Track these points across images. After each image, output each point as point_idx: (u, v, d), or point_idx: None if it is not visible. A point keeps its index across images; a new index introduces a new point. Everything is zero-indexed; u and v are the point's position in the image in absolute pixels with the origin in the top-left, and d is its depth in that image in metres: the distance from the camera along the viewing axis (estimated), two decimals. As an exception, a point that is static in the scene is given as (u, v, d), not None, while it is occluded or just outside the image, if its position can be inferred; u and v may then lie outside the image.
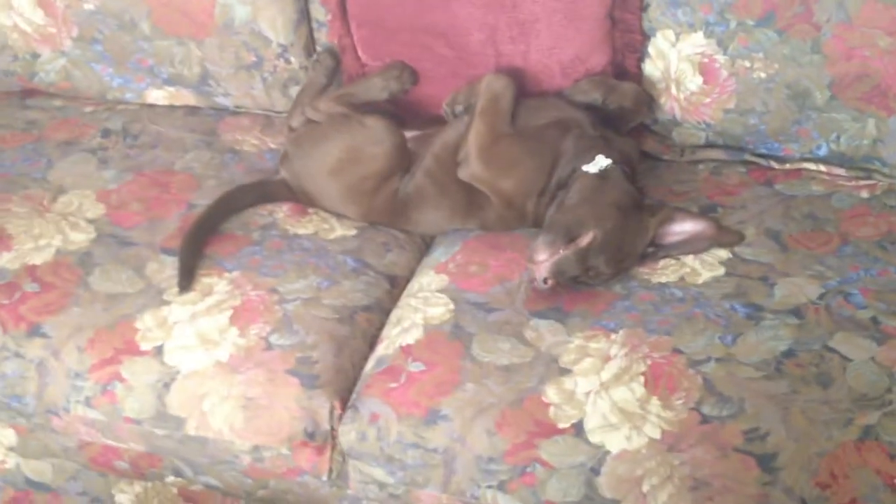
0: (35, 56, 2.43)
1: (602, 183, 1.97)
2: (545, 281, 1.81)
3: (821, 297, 1.81)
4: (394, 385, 1.76)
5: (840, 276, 1.85)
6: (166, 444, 1.84)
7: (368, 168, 2.08)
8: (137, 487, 2.05)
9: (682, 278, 1.88)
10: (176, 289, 1.91)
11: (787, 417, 1.62)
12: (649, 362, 1.72)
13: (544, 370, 1.73)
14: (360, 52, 2.29)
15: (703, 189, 2.11)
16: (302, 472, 1.82)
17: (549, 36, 2.14)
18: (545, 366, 1.74)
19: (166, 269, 1.95)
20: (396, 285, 2.02)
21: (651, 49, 2.16)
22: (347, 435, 1.76)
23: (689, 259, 1.92)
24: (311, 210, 2.14)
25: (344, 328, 1.88)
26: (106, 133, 2.34)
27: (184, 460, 1.89)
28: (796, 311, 1.78)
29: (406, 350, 1.81)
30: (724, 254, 1.92)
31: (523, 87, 2.16)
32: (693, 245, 1.94)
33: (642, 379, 1.69)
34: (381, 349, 1.86)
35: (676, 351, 1.73)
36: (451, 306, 1.88)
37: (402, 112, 2.28)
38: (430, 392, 1.74)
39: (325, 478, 1.81)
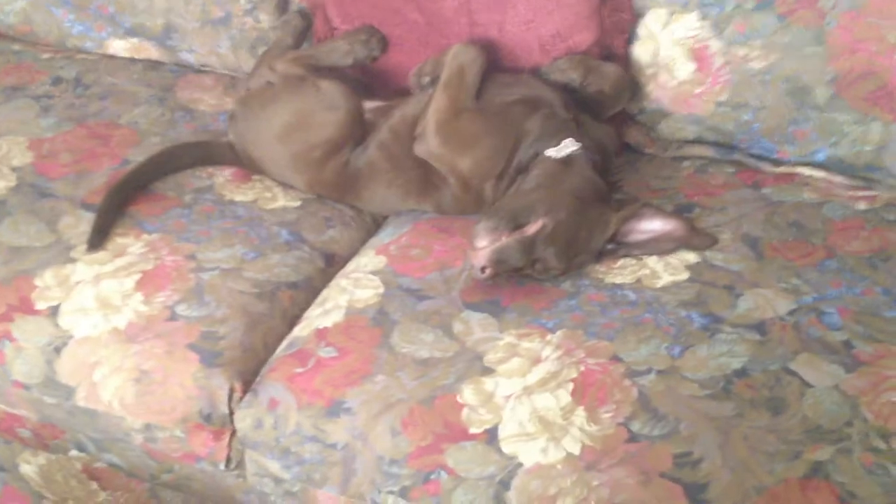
0: (-6, -4, 2.30)
1: (564, 169, 1.78)
2: (483, 270, 1.62)
3: (791, 312, 1.60)
4: (300, 370, 1.59)
5: (817, 292, 1.63)
6: (56, 413, 1.69)
7: (318, 135, 1.91)
8: (42, 459, 1.90)
9: (638, 280, 1.68)
10: (85, 246, 1.75)
11: (726, 444, 1.41)
12: (582, 368, 1.52)
13: (465, 367, 1.55)
14: (329, 14, 2.12)
15: (682, 187, 1.91)
16: (199, 458, 1.65)
17: (528, 7, 1.95)
18: (467, 363, 1.55)
19: (81, 225, 1.80)
20: (333, 264, 1.84)
21: (641, 30, 1.97)
22: (243, 421, 1.59)
23: (652, 260, 1.72)
24: (255, 177, 1.98)
25: (261, 304, 1.71)
26: (57, 81, 2.21)
27: (81, 433, 1.74)
28: (759, 327, 1.58)
29: (320, 333, 1.64)
30: (691, 257, 1.72)
31: (497, 63, 1.98)
32: (659, 245, 1.74)
33: (570, 386, 1.50)
34: (297, 330, 1.68)
35: (615, 359, 1.53)
36: (381, 290, 1.70)
37: (369, 81, 2.12)
38: (337, 381, 1.56)
39: (222, 466, 1.64)
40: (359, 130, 1.93)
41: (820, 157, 1.91)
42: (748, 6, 1.84)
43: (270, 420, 1.57)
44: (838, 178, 1.90)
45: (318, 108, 1.92)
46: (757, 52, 1.86)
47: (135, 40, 2.29)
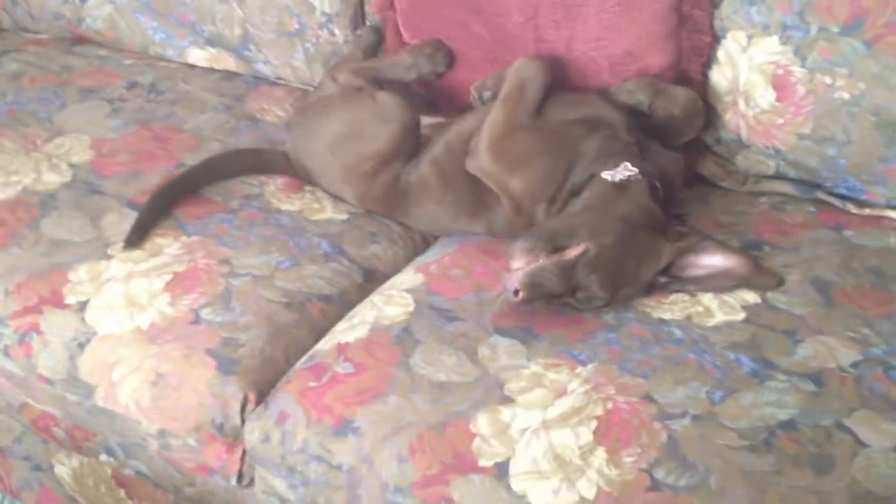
0: (83, 0, 2.33)
1: (618, 194, 1.66)
2: (516, 293, 1.51)
3: (854, 364, 1.44)
4: (313, 384, 1.51)
5: (888, 344, 1.47)
6: (79, 413, 1.66)
7: (369, 147, 1.85)
8: (75, 461, 1.87)
9: (688, 317, 1.54)
10: (122, 244, 1.72)
11: (760, 502, 1.26)
12: (610, 406, 1.39)
13: (483, 394, 1.44)
14: (401, 27, 2.07)
15: (754, 224, 1.76)
16: (212, 471, 1.59)
17: (598, 24, 1.85)
18: (486, 390, 1.45)
19: (124, 224, 1.77)
20: (372, 280, 1.77)
21: (720, 53, 1.83)
22: (252, 433, 1.52)
23: (707, 298, 1.58)
24: (308, 188, 1.93)
25: (288, 315, 1.65)
26: (132, 85, 2.22)
27: (108, 437, 1.70)
28: (816, 377, 1.42)
29: (341, 348, 1.56)
30: (751, 297, 1.57)
31: (564, 81, 1.88)
32: (717, 282, 1.60)
33: (594, 424, 1.37)
34: (321, 343, 1.61)
35: (647, 398, 1.40)
36: (411, 308, 1.61)
37: (434, 98, 2.05)
38: (349, 399, 1.48)
39: (233, 481, 1.57)
40: (413, 145, 1.86)
41: (913, 199, 1.73)
42: (833, 30, 1.69)
43: (278, 434, 1.49)
44: (932, 225, 1.72)
45: (372, 120, 1.86)
46: (843, 80, 1.71)
47: (213, 50, 2.29)
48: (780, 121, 1.79)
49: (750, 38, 1.77)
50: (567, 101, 1.81)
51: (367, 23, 2.17)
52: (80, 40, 2.41)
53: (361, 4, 2.16)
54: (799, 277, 1.61)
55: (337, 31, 2.15)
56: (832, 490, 1.27)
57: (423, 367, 1.49)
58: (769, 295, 1.57)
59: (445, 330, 1.55)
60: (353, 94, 1.92)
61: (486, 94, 1.86)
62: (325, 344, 1.60)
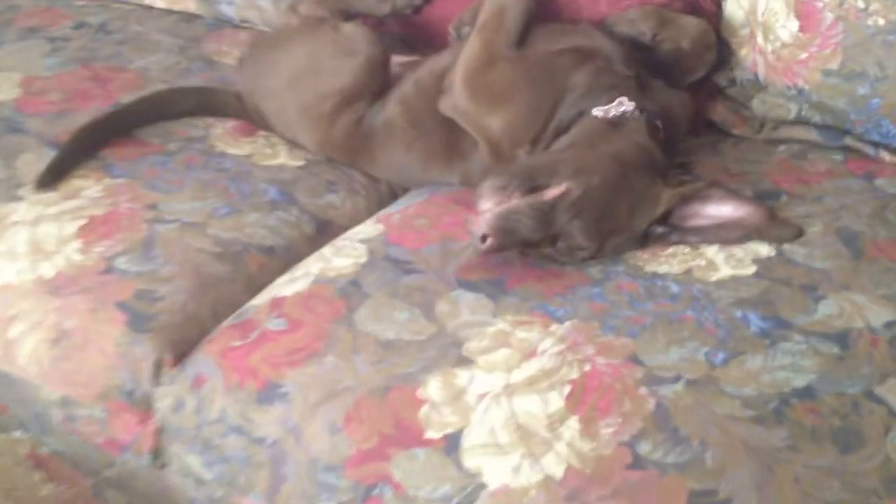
0: (33, -64, 2.11)
1: (610, 131, 1.41)
2: (483, 239, 1.26)
3: (888, 325, 1.19)
4: (238, 343, 1.27)
5: (929, 302, 1.20)
6: (-24, 375, 1.42)
7: (330, 84, 1.61)
8: (-11, 438, 1.64)
9: (688, 271, 1.29)
10: (34, 184, 1.49)
11: (767, 483, 1.01)
12: (587, 368, 1.14)
13: (436, 355, 1.19)
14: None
15: (770, 172, 1.51)
16: (123, 447, 1.35)
17: (593, -57, 1.60)
18: (441, 349, 1.20)
19: (41, 164, 1.54)
20: (326, 232, 1.53)
21: (736, -22, 1.58)
22: (163, 400, 1.28)
23: (712, 250, 1.32)
24: (261, 133, 1.69)
25: (220, 267, 1.41)
26: (79, 25, 1.99)
27: (16, 409, 1.47)
28: (840, 338, 1.17)
29: (275, 303, 1.32)
30: (764, 250, 1.32)
31: (553, 14, 1.64)
32: (724, 233, 1.35)
33: (567, 389, 1.12)
34: (255, 299, 1.37)
35: (633, 360, 1.15)
36: (363, 259, 1.37)
37: (412, 38, 1.81)
38: (277, 359, 1.23)
39: (145, 459, 1.33)
40: (380, 83, 1.62)
41: (957, 144, 1.47)
42: (868, -58, 1.43)
43: (193, 402, 1.25)
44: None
45: (333, 53, 1.62)
46: (878, 3, 1.45)
47: (173, -11, 2.06)
48: (804, 55, 1.54)
49: (769, -44, 1.52)
50: (555, 31, 1.57)
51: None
52: (31, -20, 2.18)
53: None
54: (821, 228, 1.36)
55: (307, -34, 1.91)
56: (859, 471, 1.02)
57: (370, 324, 1.25)
58: (785, 247, 1.32)
59: (400, 283, 1.31)
60: (314, 25, 1.68)
61: (465, 31, 1.62)
62: (259, 299, 1.36)
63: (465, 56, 1.52)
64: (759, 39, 1.58)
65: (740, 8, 1.59)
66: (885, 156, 1.54)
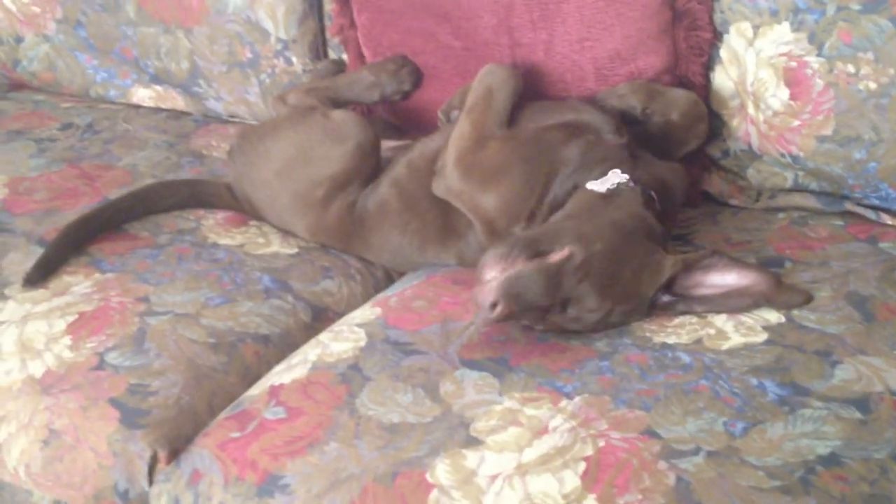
0: (19, 40, 2.12)
1: (606, 203, 1.39)
2: (493, 306, 1.22)
3: (908, 387, 1.14)
4: (235, 435, 1.22)
5: (948, 362, 1.17)
6: (-39, 482, 1.36)
7: (321, 171, 1.59)
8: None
9: (698, 341, 1.26)
10: (22, 282, 1.46)
11: (800, 558, 0.95)
12: (602, 443, 1.10)
13: (444, 436, 1.14)
14: (362, 47, 1.84)
15: (772, 240, 1.50)
16: (118, 551, 1.29)
17: (581, 22, 1.61)
18: (448, 431, 1.15)
19: (28, 262, 1.51)
20: (322, 319, 1.49)
21: (723, 51, 1.58)
22: (159, 499, 1.22)
23: (720, 319, 1.29)
24: (252, 222, 1.66)
25: (215, 358, 1.37)
26: (66, 126, 1.99)
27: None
28: (861, 402, 1.13)
29: (274, 391, 1.27)
30: (773, 317, 1.29)
31: (541, 91, 1.64)
32: (731, 302, 1.31)
33: (582, 466, 1.07)
34: (252, 389, 1.32)
35: (650, 433, 1.10)
36: (363, 343, 1.33)
37: (402, 122, 1.80)
38: (277, 449, 1.18)
39: (142, 563, 1.27)
40: (371, 168, 1.60)
41: (959, 204, 1.46)
42: (854, 7, 1.44)
43: (189, 499, 1.19)
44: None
45: (323, 140, 1.61)
46: (868, 67, 1.45)
47: (160, 88, 2.06)
48: (797, 123, 1.54)
49: (756, 28, 1.53)
50: (543, 108, 1.57)
51: (329, 50, 1.94)
52: (17, 86, 2.19)
53: (322, 29, 1.94)
54: (830, 293, 1.33)
55: (294, 60, 1.92)
56: (896, 539, 0.96)
57: (372, 408, 1.20)
58: (795, 313, 1.29)
59: (402, 365, 1.27)
60: (303, 113, 1.67)
61: (455, 114, 1.62)
62: (256, 389, 1.31)
63: (455, 137, 1.51)
64: (751, 109, 1.58)
65: (729, 79, 1.59)
66: (887, 219, 1.53)
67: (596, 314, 1.26)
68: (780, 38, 1.51)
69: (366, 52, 1.84)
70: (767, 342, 1.24)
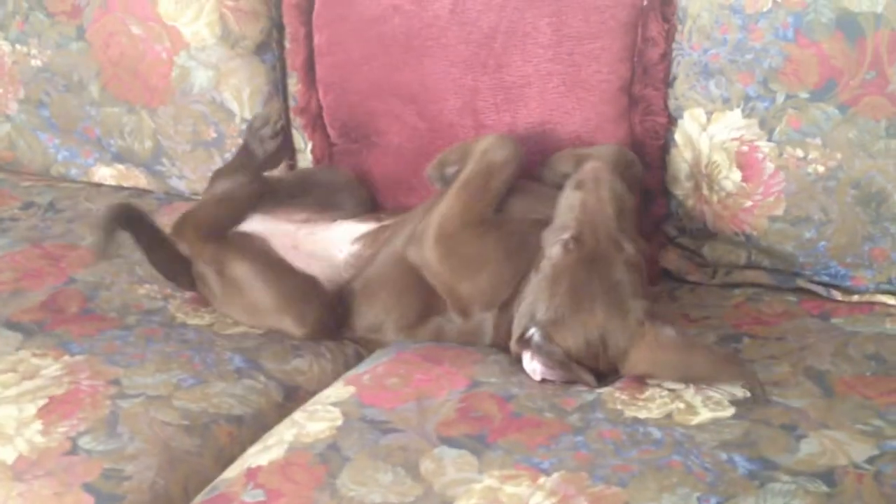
0: (-20, 120, 2.12)
1: None
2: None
3: (870, 460, 1.20)
4: (213, 519, 1.22)
5: (906, 435, 1.22)
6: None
7: (287, 326, 1.61)
8: None
9: (668, 415, 1.30)
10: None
11: None
12: (581, 521, 1.12)
13: (426, 517, 1.16)
14: (328, 126, 1.88)
15: (729, 316, 1.55)
16: None
17: (542, 106, 1.68)
18: (429, 511, 1.17)
19: (-4, 343, 1.50)
20: (293, 398, 1.50)
21: (678, 135, 1.66)
22: (132, 591, 1.21)
23: (689, 393, 1.33)
24: (221, 303, 1.68)
25: (188, 440, 1.37)
26: (28, 206, 1.99)
27: None
28: (827, 476, 1.17)
29: (251, 473, 1.27)
30: (739, 391, 1.33)
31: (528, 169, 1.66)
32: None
33: (563, 545, 1.09)
34: (227, 472, 1.32)
35: (627, 510, 1.13)
36: (339, 422, 1.34)
37: (374, 197, 1.82)
38: (258, 533, 1.18)
39: None
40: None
41: (905, 281, 1.53)
42: (803, 96, 1.52)
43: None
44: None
45: (271, 311, 1.61)
46: (816, 152, 1.53)
47: (122, 166, 2.07)
48: (749, 203, 1.61)
49: (710, 114, 1.61)
50: (534, 194, 1.57)
51: (294, 130, 1.97)
52: (-23, 167, 2.18)
53: (287, 109, 1.97)
54: (789, 368, 1.39)
55: (259, 139, 1.95)
56: None
57: (353, 488, 1.22)
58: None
59: (380, 444, 1.28)
60: (203, 281, 1.65)
61: (449, 171, 1.58)
62: (231, 471, 1.31)
63: (443, 211, 1.51)
64: (705, 190, 1.65)
65: (684, 161, 1.66)
66: (837, 295, 1.59)
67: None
68: (733, 123, 1.59)
69: (330, 132, 1.88)
70: (735, 416, 1.28)
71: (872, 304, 1.56)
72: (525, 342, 1.37)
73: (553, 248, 1.38)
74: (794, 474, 1.17)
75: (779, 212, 1.58)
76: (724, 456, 1.21)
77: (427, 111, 1.73)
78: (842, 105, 1.50)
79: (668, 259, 1.71)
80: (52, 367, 1.47)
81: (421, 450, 1.26)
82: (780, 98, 1.54)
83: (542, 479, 1.19)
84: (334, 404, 1.39)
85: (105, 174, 2.09)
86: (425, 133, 1.75)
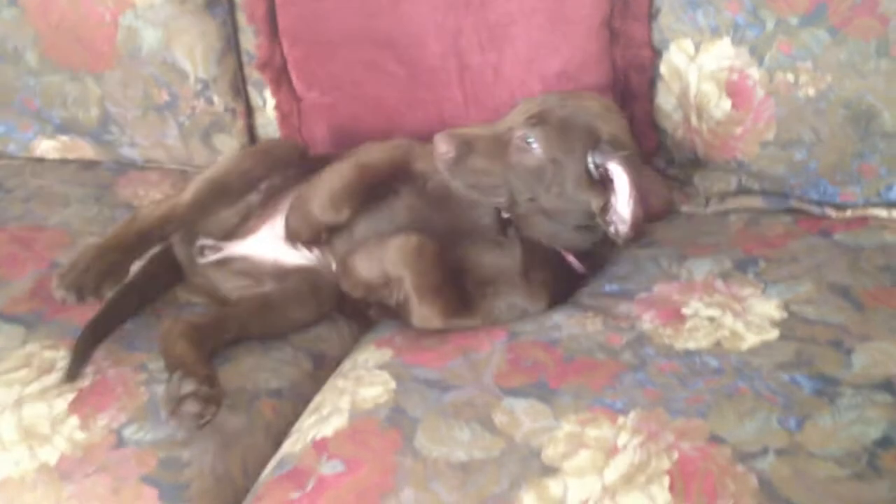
0: None
1: None
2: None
3: (920, 366, 1.25)
4: (296, 495, 1.19)
5: (944, 339, 1.29)
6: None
7: None
8: None
9: (717, 343, 1.32)
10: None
11: (895, 537, 1.03)
12: (676, 455, 1.14)
13: (520, 468, 1.16)
14: (294, 80, 1.81)
15: (737, 242, 1.58)
16: None
17: (528, 43, 1.66)
18: (521, 462, 1.17)
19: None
20: (323, 366, 1.47)
21: (663, 67, 1.67)
22: (225, 574, 1.17)
23: (728, 319, 1.36)
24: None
25: (237, 419, 1.32)
26: (-28, 188, 1.84)
27: None
28: (887, 386, 1.22)
29: (319, 445, 1.24)
30: (775, 312, 1.37)
31: (493, 111, 1.65)
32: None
33: (666, 480, 1.11)
34: (287, 445, 1.28)
35: (715, 439, 1.16)
36: (392, 385, 1.32)
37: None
38: (351, 503, 1.15)
39: None
40: None
41: (894, 193, 1.59)
42: (792, 22, 1.55)
43: (262, 568, 1.15)
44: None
45: None
46: (807, 75, 1.57)
47: (66, 138, 1.95)
48: (739, 130, 1.64)
49: (698, 44, 1.62)
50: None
51: (249, 87, 1.89)
52: None
53: (240, 66, 1.89)
54: (814, 285, 1.43)
55: (216, 99, 1.87)
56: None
57: (434, 449, 1.20)
58: (794, 308, 1.38)
59: (444, 401, 1.27)
60: None
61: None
62: (293, 445, 1.28)
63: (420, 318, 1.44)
64: (694, 121, 1.67)
65: (671, 94, 1.68)
66: (831, 212, 1.65)
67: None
68: (722, 52, 1.61)
69: (298, 87, 1.82)
70: (782, 338, 1.32)
71: (864, 218, 1.62)
72: None
73: None
74: (857, 387, 1.22)
75: (770, 137, 1.62)
76: (786, 377, 1.25)
77: (407, 56, 1.69)
78: (832, 28, 1.53)
79: (660, 191, 1.72)
80: (67, 359, 1.38)
81: (488, 403, 1.25)
82: (770, 24, 1.56)
83: (620, 419, 1.20)
84: (380, 367, 1.36)
85: (48, 147, 1.97)
86: (405, 80, 1.72)
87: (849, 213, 1.64)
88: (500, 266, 1.44)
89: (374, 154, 1.52)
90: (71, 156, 1.96)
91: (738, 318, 1.37)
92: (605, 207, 1.40)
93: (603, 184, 1.39)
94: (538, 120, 1.39)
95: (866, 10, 1.51)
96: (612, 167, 1.38)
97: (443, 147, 1.38)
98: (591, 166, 1.40)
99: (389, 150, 1.53)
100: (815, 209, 1.66)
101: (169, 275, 1.57)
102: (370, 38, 1.70)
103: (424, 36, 1.67)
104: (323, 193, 1.45)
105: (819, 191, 1.65)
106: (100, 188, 1.85)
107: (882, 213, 1.62)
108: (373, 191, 1.47)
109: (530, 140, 1.39)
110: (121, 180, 1.89)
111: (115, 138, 1.93)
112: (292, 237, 1.49)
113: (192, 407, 1.23)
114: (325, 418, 1.29)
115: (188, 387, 1.24)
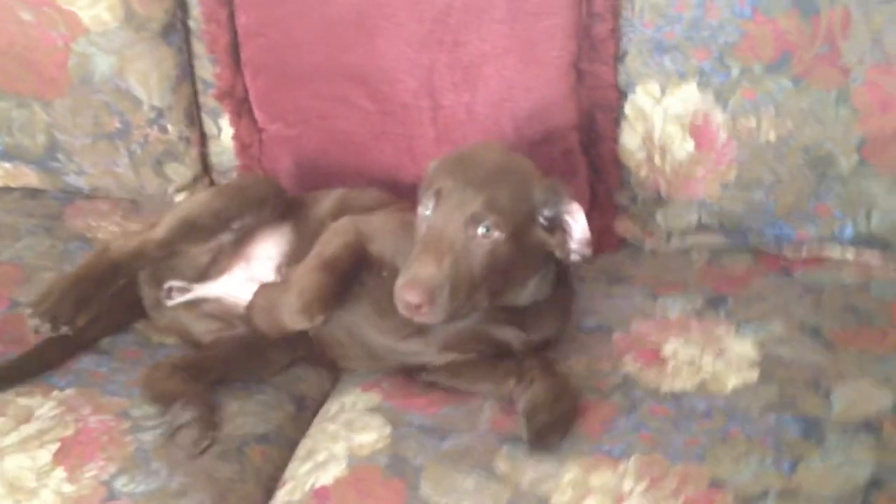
0: None
1: None
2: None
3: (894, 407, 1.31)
4: (305, 547, 1.16)
5: (914, 379, 1.35)
6: None
7: None
8: None
9: (702, 385, 1.36)
10: None
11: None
12: (682, 501, 1.17)
13: (530, 518, 1.17)
14: (256, 111, 1.78)
15: (703, 278, 1.63)
16: None
17: (500, 83, 1.68)
18: (531, 511, 1.17)
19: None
20: (304, 408, 1.45)
21: (628, 108, 1.70)
22: None
23: (707, 361, 1.40)
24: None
25: (229, 467, 1.29)
26: None
27: None
28: (868, 426, 1.28)
29: (320, 493, 1.23)
30: (751, 352, 1.42)
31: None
32: None
33: (677, 525, 1.14)
34: (283, 494, 1.26)
35: (717, 483, 1.19)
36: (388, 430, 1.31)
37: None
38: (362, 557, 1.14)
39: None
40: None
41: (846, 233, 1.67)
42: (756, 70, 1.61)
43: None
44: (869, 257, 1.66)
45: None
46: (769, 121, 1.63)
47: (9, 165, 1.88)
48: (702, 171, 1.69)
49: (664, 87, 1.66)
50: None
51: (203, 115, 1.86)
52: None
53: (195, 94, 1.85)
54: (784, 326, 1.49)
55: (170, 127, 1.83)
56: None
57: (441, 498, 1.20)
58: (770, 349, 1.43)
59: (443, 449, 1.27)
60: None
61: None
62: (290, 494, 1.26)
63: None
64: (657, 160, 1.71)
65: (636, 133, 1.71)
66: (788, 251, 1.71)
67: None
68: (687, 96, 1.65)
69: (260, 118, 1.79)
70: (762, 378, 1.37)
71: (819, 259, 1.68)
72: None
73: None
74: (841, 428, 1.27)
75: (731, 178, 1.67)
76: (772, 419, 1.29)
77: (379, 92, 1.69)
78: (795, 77, 1.59)
79: (623, 228, 1.77)
80: (45, 406, 1.34)
81: (488, 450, 1.26)
82: (736, 72, 1.62)
83: (622, 466, 1.23)
84: (370, 411, 1.35)
85: (-11, 175, 1.89)
86: (376, 116, 1.71)
87: (804, 251, 1.70)
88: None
89: (334, 246, 1.42)
90: (14, 184, 1.89)
91: (717, 357, 1.41)
92: (562, 244, 1.40)
93: (554, 227, 1.39)
94: (485, 205, 1.30)
95: (828, 61, 1.58)
96: (565, 211, 1.36)
97: (412, 298, 1.25)
98: (542, 220, 1.37)
99: (343, 237, 1.43)
100: (772, 247, 1.71)
101: (126, 313, 1.53)
102: (341, 72, 1.69)
103: (398, 72, 1.67)
104: (294, 301, 1.36)
105: (776, 229, 1.71)
106: (48, 219, 1.79)
107: (836, 252, 1.69)
108: (343, 288, 1.40)
109: (488, 228, 1.30)
110: (68, 210, 1.83)
111: (61, 166, 1.87)
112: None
113: (190, 433, 1.24)
114: (322, 465, 1.27)
115: (188, 414, 1.25)
